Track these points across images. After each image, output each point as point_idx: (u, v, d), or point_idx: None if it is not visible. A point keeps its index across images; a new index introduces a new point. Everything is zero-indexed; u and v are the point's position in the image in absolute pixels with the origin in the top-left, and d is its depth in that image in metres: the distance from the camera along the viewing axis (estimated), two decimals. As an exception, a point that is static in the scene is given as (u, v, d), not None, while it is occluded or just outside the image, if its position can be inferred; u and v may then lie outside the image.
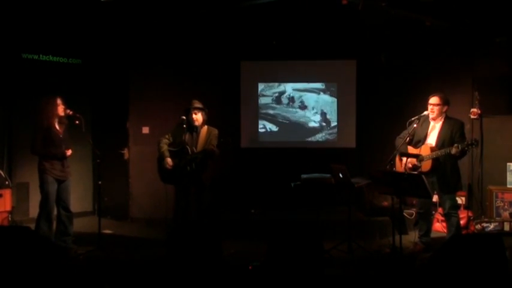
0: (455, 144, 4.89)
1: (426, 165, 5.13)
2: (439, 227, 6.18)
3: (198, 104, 5.61)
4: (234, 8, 5.98)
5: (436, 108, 5.20)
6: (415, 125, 5.23)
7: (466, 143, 4.87)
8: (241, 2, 5.84)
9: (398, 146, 5.25)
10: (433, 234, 5.53)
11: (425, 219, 5.42)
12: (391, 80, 7.31)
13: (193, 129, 5.61)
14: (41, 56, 6.96)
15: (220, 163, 6.68)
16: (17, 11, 6.38)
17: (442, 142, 5.11)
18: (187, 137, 5.59)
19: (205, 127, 5.67)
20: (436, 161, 5.10)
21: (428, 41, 6.86)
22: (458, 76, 6.72)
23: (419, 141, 5.29)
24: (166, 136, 5.66)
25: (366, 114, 7.57)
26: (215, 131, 5.69)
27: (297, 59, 7.60)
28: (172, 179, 5.60)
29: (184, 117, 5.56)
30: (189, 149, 5.50)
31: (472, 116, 6.48)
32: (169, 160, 5.52)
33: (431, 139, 5.23)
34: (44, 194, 5.30)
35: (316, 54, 7.49)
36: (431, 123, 5.29)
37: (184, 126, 5.54)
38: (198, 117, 5.58)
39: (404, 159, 5.23)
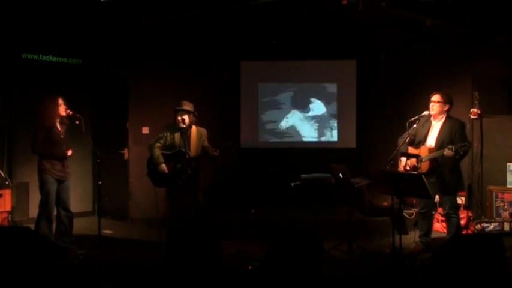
0: (449, 146, 4.87)
1: (425, 166, 5.13)
2: (439, 227, 6.18)
3: (186, 107, 5.56)
4: (234, 8, 5.97)
5: (436, 106, 5.19)
6: (414, 125, 5.23)
7: (459, 145, 4.84)
8: (242, 2, 5.83)
9: (399, 146, 5.26)
10: (433, 234, 5.52)
11: (426, 219, 5.42)
12: (391, 80, 7.31)
13: (181, 130, 5.57)
14: (41, 56, 6.95)
15: (219, 163, 6.69)
16: (17, 11, 6.38)
17: (441, 143, 5.10)
18: (178, 138, 5.57)
19: (194, 128, 5.63)
20: (434, 162, 5.10)
21: (428, 41, 6.86)
22: (458, 76, 6.71)
23: (420, 142, 5.30)
24: (157, 139, 5.61)
25: (366, 115, 7.56)
26: (205, 131, 5.69)
27: (297, 59, 7.60)
28: (165, 182, 5.59)
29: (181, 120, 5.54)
30: (185, 151, 5.49)
31: (472, 116, 6.47)
32: (164, 166, 5.49)
33: (431, 139, 5.23)
34: (44, 194, 5.30)
35: (316, 54, 7.49)
36: (433, 122, 5.29)
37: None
38: (184, 118, 5.54)
39: (404, 160, 5.24)
